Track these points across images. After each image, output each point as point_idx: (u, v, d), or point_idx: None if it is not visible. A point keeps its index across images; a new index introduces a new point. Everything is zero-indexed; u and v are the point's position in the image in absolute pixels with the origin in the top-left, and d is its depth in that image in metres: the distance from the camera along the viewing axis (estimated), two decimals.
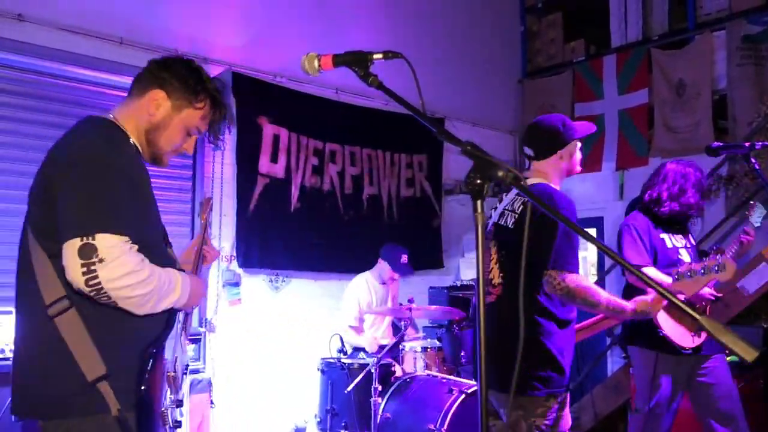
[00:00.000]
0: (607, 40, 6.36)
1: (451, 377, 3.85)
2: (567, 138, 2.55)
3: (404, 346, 4.11)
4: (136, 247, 1.61)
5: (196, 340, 4.15)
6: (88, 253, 1.51)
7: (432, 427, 3.40)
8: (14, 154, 3.76)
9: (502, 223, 2.53)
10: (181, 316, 2.15)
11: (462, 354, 4.02)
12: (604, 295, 2.33)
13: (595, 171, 6.12)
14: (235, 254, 4.62)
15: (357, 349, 4.28)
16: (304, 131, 5.06)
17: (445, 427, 3.36)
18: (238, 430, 4.49)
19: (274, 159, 4.86)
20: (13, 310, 3.16)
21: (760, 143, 2.96)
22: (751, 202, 3.39)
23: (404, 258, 4.53)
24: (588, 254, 6.71)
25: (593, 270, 6.62)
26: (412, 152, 5.82)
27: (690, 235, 3.37)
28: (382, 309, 4.47)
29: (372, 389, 3.66)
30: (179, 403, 2.05)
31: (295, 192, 4.98)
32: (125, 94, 4.59)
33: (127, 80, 4.10)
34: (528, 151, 2.60)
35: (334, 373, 3.96)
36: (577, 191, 6.27)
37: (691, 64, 5.55)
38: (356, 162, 5.41)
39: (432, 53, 5.78)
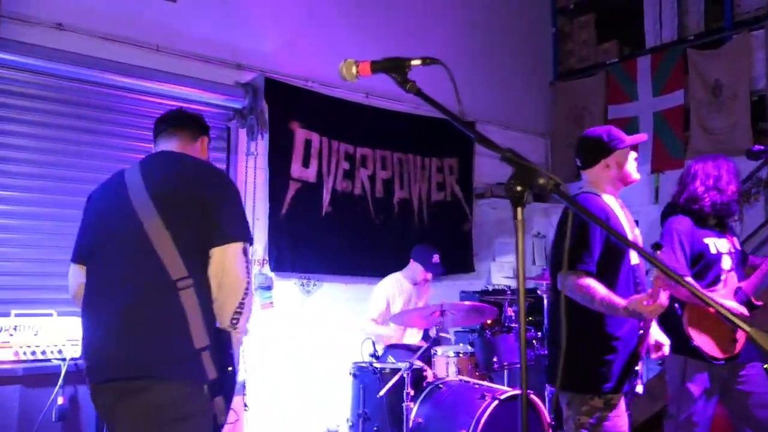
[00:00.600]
0: (641, 41, 6.27)
1: (484, 383, 3.82)
2: (611, 147, 2.63)
3: (436, 351, 4.09)
4: None
5: None
6: (246, 254, 2.04)
7: None
8: (54, 159, 3.85)
9: None
10: None
11: (495, 359, 3.98)
12: (601, 292, 2.38)
13: None
14: (267, 258, 4.66)
15: (387, 350, 4.27)
16: (336, 136, 5.09)
17: None
18: None
19: (305, 163, 4.89)
20: (54, 312, 3.26)
21: None
22: None
23: (436, 258, 4.52)
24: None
25: None
26: (443, 156, 5.81)
27: (735, 238, 3.24)
28: (412, 310, 4.45)
29: (404, 394, 3.66)
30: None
31: (326, 196, 5.00)
32: (159, 101, 4.66)
33: (162, 86, 4.26)
34: (577, 161, 2.74)
35: (366, 377, 3.96)
36: None
37: (729, 64, 5.44)
38: (387, 166, 5.41)
39: (463, 56, 5.76)
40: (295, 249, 4.79)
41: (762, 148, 3.07)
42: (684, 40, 5.89)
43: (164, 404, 1.86)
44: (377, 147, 5.35)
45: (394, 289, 4.56)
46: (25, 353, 3.08)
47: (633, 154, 2.68)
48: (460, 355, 4.06)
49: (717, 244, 3.10)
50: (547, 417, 3.65)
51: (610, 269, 2.49)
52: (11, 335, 3.08)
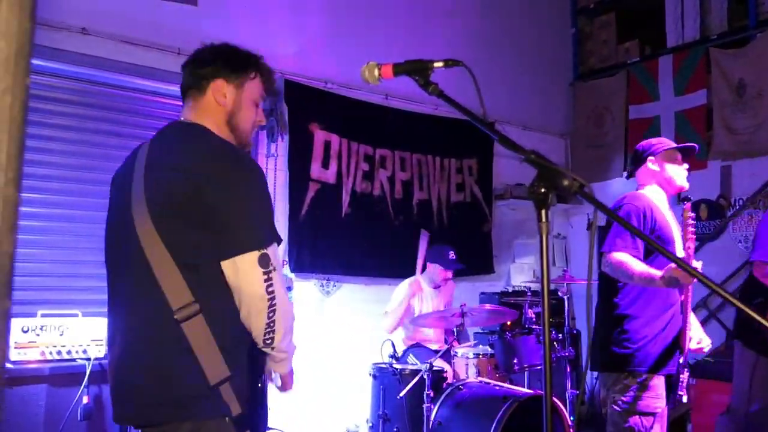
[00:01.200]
0: (662, 40, 6.20)
1: (504, 384, 3.81)
2: (654, 150, 2.81)
3: (456, 352, 4.09)
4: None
5: None
6: (265, 263, 1.65)
7: None
8: (79, 162, 3.91)
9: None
10: None
11: (515, 361, 3.97)
12: (638, 267, 2.49)
13: None
14: (287, 259, 4.69)
15: (407, 351, 4.27)
16: (355, 137, 5.10)
17: None
18: None
19: (325, 165, 4.92)
20: (79, 312, 3.31)
21: None
22: None
23: (452, 254, 4.52)
24: None
25: None
26: (462, 157, 5.80)
27: None
28: (434, 313, 4.46)
29: (424, 395, 3.66)
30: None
31: (345, 197, 5.02)
32: (181, 103, 4.69)
33: None
34: (626, 173, 2.95)
35: (385, 378, 3.97)
36: None
37: (753, 63, 5.36)
38: (406, 167, 5.42)
39: (482, 56, 5.75)
40: (314, 250, 4.81)
41: None
42: (707, 39, 5.81)
43: None
44: (396, 148, 5.36)
45: (414, 291, 4.56)
46: (51, 353, 3.14)
47: (684, 165, 2.85)
48: (480, 356, 4.06)
49: None
50: (568, 419, 3.63)
51: (656, 261, 2.56)
52: (38, 335, 3.13)
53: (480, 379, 3.89)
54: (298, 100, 4.74)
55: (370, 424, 4.04)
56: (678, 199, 2.67)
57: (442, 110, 5.45)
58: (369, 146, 5.19)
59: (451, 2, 5.93)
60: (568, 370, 4.30)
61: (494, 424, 3.36)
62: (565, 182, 1.20)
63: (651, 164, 2.82)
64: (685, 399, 2.59)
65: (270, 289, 1.64)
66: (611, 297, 2.64)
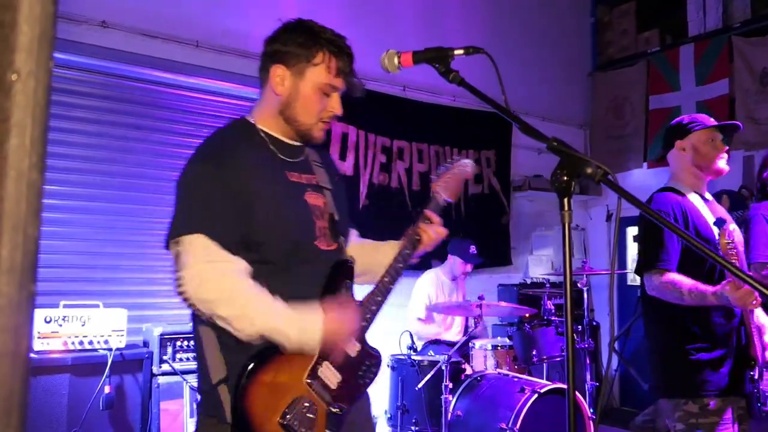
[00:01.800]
0: (683, 29, 6.10)
1: (523, 376, 3.79)
2: (688, 128, 2.50)
3: (474, 344, 4.08)
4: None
5: None
6: (174, 258, 1.53)
7: (504, 426, 3.36)
8: (99, 154, 3.94)
9: None
10: None
11: (534, 353, 3.94)
12: (688, 283, 2.26)
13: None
14: None
15: (428, 345, 4.27)
16: (372, 129, 5.09)
17: (518, 426, 3.31)
18: None
19: (342, 157, 4.91)
20: (101, 303, 3.35)
21: None
22: None
23: (473, 249, 4.51)
24: None
25: None
26: (480, 148, 5.77)
27: None
28: (453, 303, 4.45)
29: (442, 387, 3.65)
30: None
31: (363, 189, 5.01)
32: (200, 96, 4.70)
33: (203, 81, 4.34)
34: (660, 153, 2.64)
35: (404, 369, 3.97)
36: (653, 186, 6.05)
37: None
38: (424, 159, 5.40)
39: (500, 47, 5.67)
40: None
41: None
42: (729, 28, 5.71)
43: None
44: (414, 140, 5.34)
45: (433, 287, 4.56)
46: (73, 343, 3.18)
47: (711, 136, 2.49)
48: (499, 348, 4.04)
49: None
50: (587, 411, 3.60)
51: (699, 265, 2.35)
52: (60, 326, 3.17)
53: (499, 370, 3.87)
54: None
55: (389, 416, 4.04)
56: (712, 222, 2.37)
57: (460, 101, 5.41)
58: (386, 138, 5.18)
59: None
60: (588, 361, 4.27)
61: (513, 416, 3.35)
62: (589, 170, 1.18)
63: (682, 147, 2.52)
64: None
65: (178, 275, 1.50)
66: (662, 315, 2.42)
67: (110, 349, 3.21)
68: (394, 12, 5.29)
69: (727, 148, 2.53)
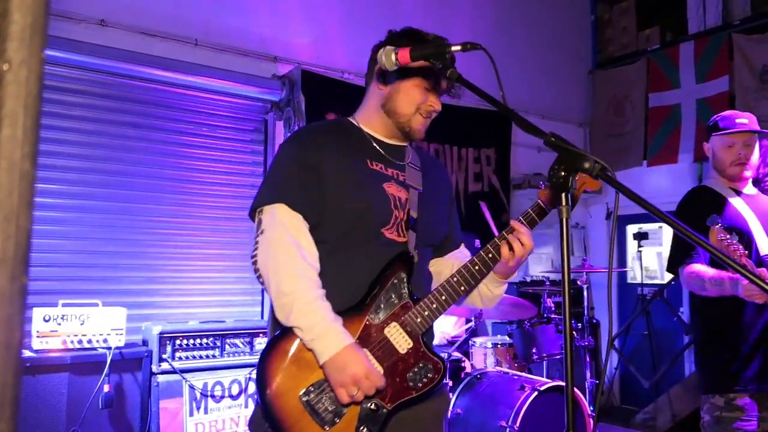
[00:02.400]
0: (683, 27, 6.10)
1: (523, 374, 3.79)
2: (709, 132, 2.60)
3: (474, 342, 4.07)
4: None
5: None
6: (256, 225, 1.64)
7: (504, 424, 3.35)
8: (98, 153, 3.93)
9: None
10: None
11: (534, 350, 3.94)
12: (709, 273, 2.31)
13: (671, 163, 5.90)
14: None
15: None
16: None
17: (518, 424, 3.31)
18: None
19: None
20: (100, 302, 3.34)
21: None
22: None
23: (477, 243, 4.51)
24: (663, 249, 6.47)
25: None
26: (480, 146, 5.76)
27: None
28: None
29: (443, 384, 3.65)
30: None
31: None
32: (199, 94, 4.68)
33: (202, 80, 4.33)
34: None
35: None
36: (652, 184, 6.06)
37: None
38: None
39: (500, 45, 5.69)
40: None
41: None
42: (729, 25, 5.71)
43: None
44: None
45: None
46: (72, 342, 3.17)
47: (730, 140, 2.54)
48: (499, 346, 4.04)
49: None
50: (587, 409, 3.60)
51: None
52: (59, 324, 3.17)
53: (499, 368, 3.87)
54: (315, 90, 4.73)
55: None
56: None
57: (460, 100, 5.40)
58: None
59: None
60: (588, 359, 4.26)
61: (513, 414, 3.34)
62: (587, 165, 1.18)
63: (707, 149, 2.63)
64: None
65: (254, 251, 1.60)
66: (698, 312, 2.48)
67: (109, 348, 3.20)
68: (393, 12, 5.28)
69: (743, 153, 2.52)
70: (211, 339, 3.62)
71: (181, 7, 4.23)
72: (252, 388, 3.68)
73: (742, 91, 5.46)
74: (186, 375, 3.47)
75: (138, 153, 4.07)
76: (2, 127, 0.47)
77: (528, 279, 5.89)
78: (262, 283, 1.60)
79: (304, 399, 1.51)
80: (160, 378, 3.42)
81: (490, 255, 1.72)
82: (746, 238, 2.39)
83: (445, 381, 3.59)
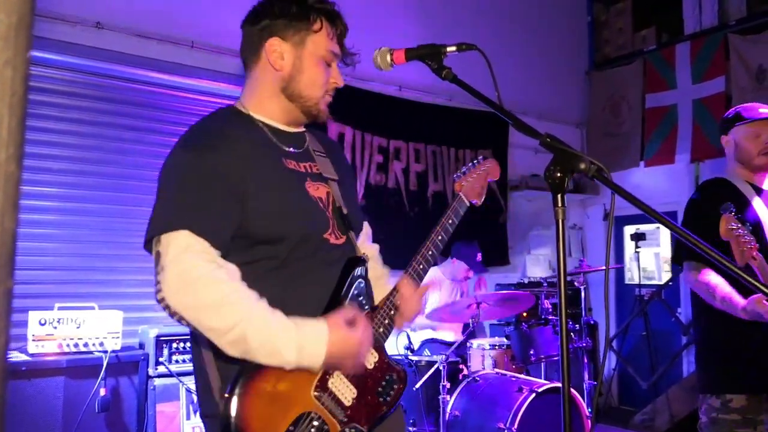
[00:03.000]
0: (679, 27, 6.12)
1: (521, 375, 3.78)
2: (731, 123, 2.50)
3: (471, 344, 4.07)
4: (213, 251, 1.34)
5: None
6: (155, 259, 1.34)
7: (501, 425, 3.35)
8: (94, 156, 3.92)
9: None
10: None
11: (531, 352, 3.94)
12: (722, 290, 2.22)
13: (668, 164, 5.91)
14: None
15: (424, 345, 4.25)
16: (369, 129, 5.08)
17: (515, 426, 3.30)
18: None
19: None
20: (96, 305, 3.33)
21: None
22: None
23: (479, 256, 4.50)
24: (661, 250, 6.48)
25: (667, 267, 6.39)
26: (477, 148, 5.76)
27: None
28: (449, 306, 4.43)
29: (440, 387, 3.64)
30: None
31: (360, 189, 5.00)
32: (195, 96, 4.66)
33: (198, 82, 4.32)
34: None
35: None
36: (649, 185, 6.07)
37: None
38: (421, 158, 5.39)
39: (497, 46, 5.68)
40: None
41: None
42: (725, 26, 5.72)
43: None
44: (411, 140, 5.33)
45: (434, 285, 4.54)
46: (68, 345, 3.16)
47: (751, 130, 2.44)
48: (496, 347, 4.03)
49: None
50: (585, 410, 3.60)
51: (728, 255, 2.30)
52: (55, 328, 3.15)
53: (496, 370, 3.86)
54: None
55: None
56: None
57: (457, 101, 5.41)
58: (383, 138, 5.17)
59: None
60: (585, 360, 4.26)
61: (511, 416, 3.34)
62: (582, 165, 1.18)
63: (726, 142, 2.52)
64: None
65: (156, 286, 1.34)
66: (699, 309, 2.42)
67: (105, 352, 3.19)
68: (389, 14, 5.28)
69: None
70: None
71: (177, 10, 4.22)
72: None
73: (739, 92, 5.47)
74: (183, 378, 3.46)
75: (134, 155, 4.06)
76: None
77: (526, 281, 5.89)
78: (188, 326, 1.32)
79: None
80: (157, 381, 3.40)
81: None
82: (761, 233, 2.30)
83: (443, 383, 3.60)
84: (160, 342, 3.45)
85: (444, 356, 3.66)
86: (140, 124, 4.11)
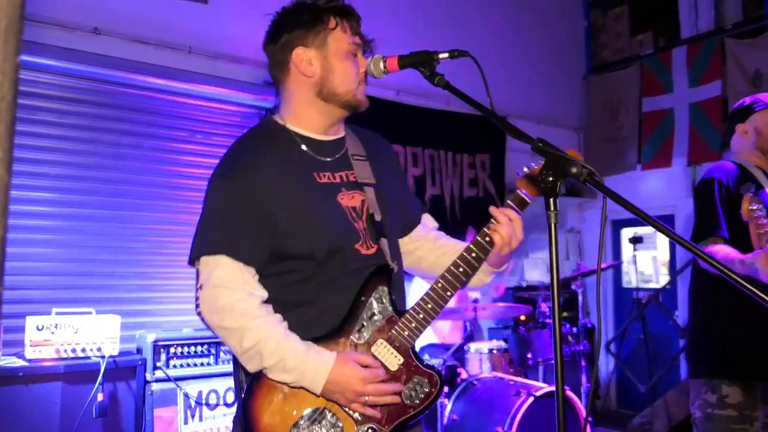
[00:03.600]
0: (676, 32, 6.14)
1: (519, 379, 3.78)
2: (749, 110, 2.51)
3: (469, 348, 4.07)
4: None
5: None
6: (196, 276, 1.54)
7: (500, 429, 3.35)
8: (92, 161, 3.92)
9: None
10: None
11: (529, 355, 3.94)
12: (722, 253, 2.20)
13: (665, 167, 5.92)
14: None
15: (423, 349, 4.26)
16: None
17: (514, 429, 3.30)
18: None
19: None
20: (93, 310, 3.33)
21: None
22: None
23: None
24: (658, 253, 6.48)
25: (665, 270, 6.40)
26: (475, 152, 5.78)
27: None
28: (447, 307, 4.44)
29: None
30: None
31: None
32: (193, 101, 4.66)
33: (196, 87, 4.33)
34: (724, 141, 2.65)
35: None
36: (647, 188, 6.08)
37: None
38: (418, 162, 5.40)
39: (494, 51, 5.71)
40: None
41: None
42: (721, 30, 5.75)
43: None
44: (408, 144, 5.34)
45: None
46: (65, 351, 3.16)
47: None
48: (494, 351, 4.03)
49: None
50: (583, 413, 3.59)
51: (745, 237, 2.23)
52: (52, 333, 3.15)
53: (494, 374, 3.86)
54: None
55: None
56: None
57: (454, 105, 5.42)
58: None
59: None
60: (583, 364, 4.26)
61: (509, 419, 3.34)
62: (574, 170, 1.19)
63: (744, 130, 2.52)
64: None
65: (197, 302, 1.52)
66: (698, 293, 2.42)
67: (103, 357, 3.19)
68: (384, 18, 5.30)
69: None
70: (206, 347, 3.61)
71: (175, 15, 4.23)
72: None
73: (735, 95, 5.47)
74: (180, 383, 3.46)
75: (132, 161, 4.07)
76: None
77: (523, 284, 5.89)
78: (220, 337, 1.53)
79: None
80: (155, 386, 3.40)
81: (474, 255, 1.58)
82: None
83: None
84: (157, 347, 3.45)
85: (442, 360, 3.66)
86: (138, 129, 4.12)
